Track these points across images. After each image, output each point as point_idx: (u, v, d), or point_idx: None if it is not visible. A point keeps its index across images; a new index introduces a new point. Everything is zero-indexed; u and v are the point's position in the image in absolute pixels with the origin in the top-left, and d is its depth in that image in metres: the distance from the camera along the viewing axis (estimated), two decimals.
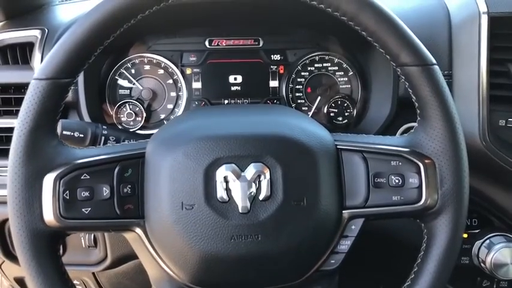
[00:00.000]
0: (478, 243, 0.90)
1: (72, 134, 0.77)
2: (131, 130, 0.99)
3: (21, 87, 0.91)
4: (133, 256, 0.89)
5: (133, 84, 1.01)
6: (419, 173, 0.63)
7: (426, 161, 0.63)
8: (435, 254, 0.63)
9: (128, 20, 0.60)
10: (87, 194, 0.61)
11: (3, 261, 1.00)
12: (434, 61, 0.63)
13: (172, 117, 1.02)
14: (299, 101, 1.03)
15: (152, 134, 0.68)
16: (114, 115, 0.99)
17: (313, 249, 0.64)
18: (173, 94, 1.02)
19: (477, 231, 0.91)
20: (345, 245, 0.66)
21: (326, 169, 0.64)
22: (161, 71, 1.02)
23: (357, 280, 0.97)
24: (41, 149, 0.61)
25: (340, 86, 1.03)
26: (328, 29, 1.00)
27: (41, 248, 0.60)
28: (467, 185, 0.63)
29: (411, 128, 0.68)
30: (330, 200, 0.63)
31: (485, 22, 0.82)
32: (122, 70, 1.01)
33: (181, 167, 0.61)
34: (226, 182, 0.61)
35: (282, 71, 1.03)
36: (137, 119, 0.99)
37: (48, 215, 0.60)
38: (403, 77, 0.64)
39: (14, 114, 0.91)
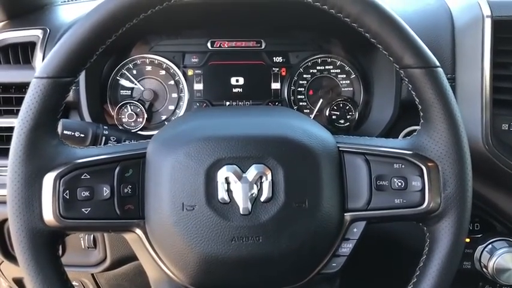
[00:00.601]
0: (480, 247, 0.89)
1: (73, 133, 0.77)
2: (132, 131, 0.99)
3: (22, 87, 0.91)
4: (132, 258, 0.89)
5: (135, 84, 1.00)
6: (422, 176, 0.63)
7: (429, 164, 0.63)
8: (437, 258, 0.62)
9: (130, 19, 0.60)
10: (87, 193, 0.61)
11: (2, 262, 1.00)
12: (438, 63, 0.63)
13: (173, 118, 1.01)
14: (301, 103, 1.03)
15: (153, 135, 0.67)
16: (115, 116, 0.98)
17: (315, 251, 0.63)
18: (175, 95, 1.01)
19: (479, 235, 0.91)
20: (346, 248, 0.65)
21: (328, 171, 0.63)
22: (163, 72, 1.01)
23: (357, 283, 0.96)
24: (41, 148, 0.60)
25: (342, 89, 1.03)
26: (331, 31, 1.00)
27: (40, 248, 0.60)
28: (470, 188, 0.63)
29: (414, 131, 0.68)
30: (331, 202, 0.63)
31: (489, 26, 0.82)
32: (124, 71, 1.00)
33: (182, 167, 0.61)
34: (228, 183, 0.61)
35: (284, 73, 1.02)
36: (138, 119, 0.99)
37: (48, 214, 0.60)
38: (406, 79, 0.63)
39: (15, 113, 0.90)
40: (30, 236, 0.59)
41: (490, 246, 0.88)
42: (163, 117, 1.01)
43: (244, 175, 0.61)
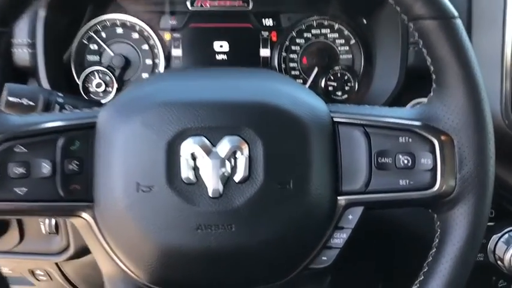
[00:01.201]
0: (495, 237, 0.80)
1: (19, 100, 0.65)
2: (102, 102, 0.87)
3: None
4: None
5: (104, 49, 0.88)
6: (433, 152, 0.52)
7: (442, 137, 0.52)
8: (450, 252, 0.52)
9: None
10: (22, 170, 0.50)
11: None
12: (455, 13, 0.51)
13: None
14: (293, 72, 0.91)
15: None
16: (80, 84, 0.87)
17: (301, 243, 0.52)
18: (149, 62, 0.90)
19: (494, 223, 0.81)
20: (339, 238, 0.54)
21: (319, 146, 0.52)
22: (136, 35, 0.89)
23: (351, 277, 0.86)
24: None
25: (341, 56, 0.91)
26: None
27: None
28: (492, 167, 0.52)
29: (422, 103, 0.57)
30: (322, 184, 0.52)
31: None
32: (91, 33, 0.88)
33: (138, 139, 0.50)
34: (194, 158, 0.49)
35: (274, 38, 0.91)
36: (107, 89, 0.87)
37: None
38: (416, 34, 0.52)
39: None
40: None
41: (506, 235, 0.79)
42: None
43: (214, 149, 0.50)
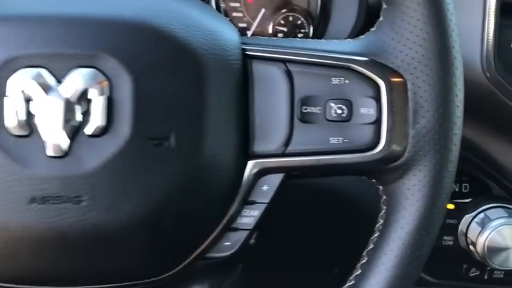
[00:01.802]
0: (467, 217, 0.66)
1: None
2: None
3: None
4: None
5: None
6: (377, 99, 0.38)
7: (391, 77, 0.38)
8: (397, 238, 0.38)
9: None
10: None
11: None
12: None
13: None
14: (235, 13, 0.75)
15: None
16: None
17: (190, 223, 0.38)
18: None
19: (467, 200, 0.69)
20: (250, 216, 0.40)
21: (220, 87, 0.37)
22: None
23: (299, 263, 0.73)
24: None
25: None
26: None
27: None
28: (459, 121, 0.38)
29: None
30: (223, 141, 0.37)
31: None
32: None
33: None
34: (27, 100, 0.34)
35: None
36: None
37: None
38: None
39: None
40: None
41: (481, 215, 0.65)
42: None
43: (57, 86, 0.34)
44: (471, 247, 0.66)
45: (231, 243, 0.40)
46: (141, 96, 0.35)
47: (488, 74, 0.60)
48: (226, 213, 0.39)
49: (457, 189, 0.70)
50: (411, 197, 0.37)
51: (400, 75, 0.37)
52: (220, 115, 0.37)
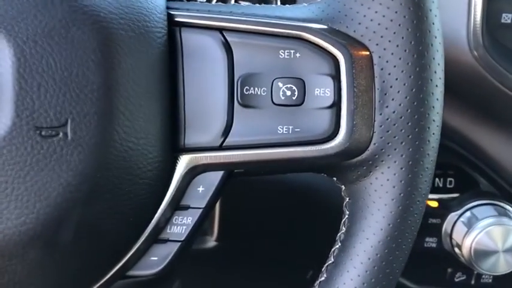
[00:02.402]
0: (452, 216, 0.60)
1: None
2: None
3: None
4: None
5: None
6: (336, 77, 0.30)
7: (354, 50, 0.30)
8: (361, 252, 0.30)
9: None
10: None
11: None
12: None
13: None
14: None
15: None
16: None
17: (99, 235, 0.30)
18: None
19: (453, 196, 0.63)
20: (182, 225, 0.33)
21: (136, 63, 0.30)
22: None
23: (270, 265, 0.66)
24: None
25: None
26: None
27: None
28: (438, 104, 0.31)
29: None
30: (141, 130, 0.30)
31: None
32: None
33: None
34: None
35: None
36: None
37: None
38: None
39: None
40: None
41: (468, 214, 0.59)
42: None
43: None
44: (456, 250, 0.60)
45: (158, 259, 0.33)
46: (25, 73, 0.27)
47: (475, 53, 0.54)
48: (150, 222, 0.32)
49: (440, 185, 0.64)
50: (378, 200, 0.30)
51: (364, 47, 0.30)
52: (136, 98, 0.29)
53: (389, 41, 0.29)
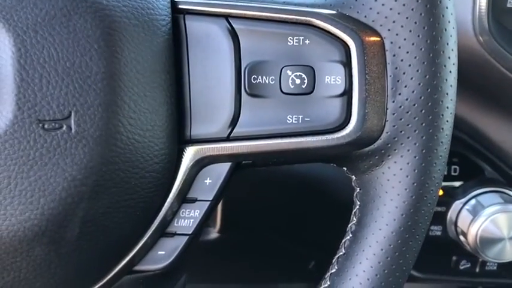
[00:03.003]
0: (457, 204, 0.59)
1: None
2: None
3: None
4: None
5: None
6: (347, 64, 0.29)
7: (365, 36, 0.29)
8: (374, 242, 0.30)
9: None
10: None
11: None
12: None
13: None
14: None
15: None
16: None
17: (106, 230, 0.29)
18: None
19: (457, 184, 0.61)
20: (189, 218, 0.32)
21: (140, 52, 0.29)
22: None
23: (272, 255, 0.65)
24: None
25: None
26: None
27: None
28: (452, 89, 0.30)
29: None
30: (146, 122, 0.29)
31: None
32: None
33: None
34: None
35: None
36: None
37: None
38: None
39: None
40: None
41: (473, 201, 0.58)
42: None
43: None
44: (461, 238, 0.59)
45: (165, 253, 0.32)
46: (26, 64, 0.26)
47: (481, 38, 0.52)
48: (157, 216, 0.31)
49: (446, 172, 0.62)
50: (391, 190, 0.29)
51: (375, 33, 0.29)
52: (140, 88, 0.28)
53: (402, 26, 0.28)
